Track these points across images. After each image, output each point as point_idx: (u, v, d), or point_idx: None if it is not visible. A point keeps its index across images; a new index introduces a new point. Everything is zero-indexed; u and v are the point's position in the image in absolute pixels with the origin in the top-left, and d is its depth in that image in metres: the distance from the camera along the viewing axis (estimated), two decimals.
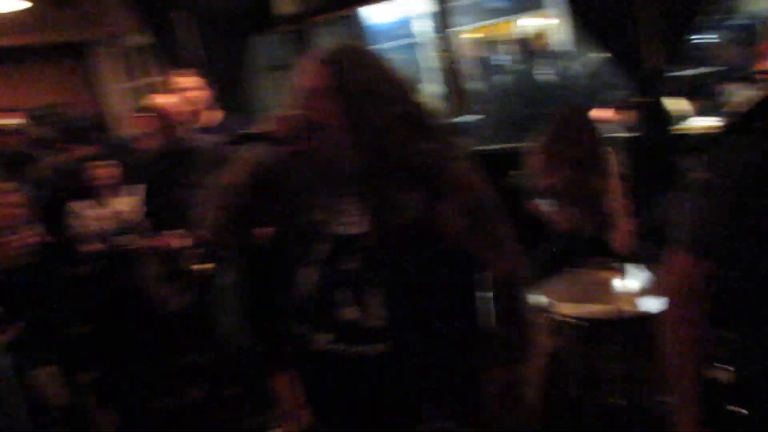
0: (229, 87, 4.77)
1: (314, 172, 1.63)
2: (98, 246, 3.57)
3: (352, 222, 1.60)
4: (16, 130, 4.10)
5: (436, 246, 1.57)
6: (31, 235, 2.82)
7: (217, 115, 3.71)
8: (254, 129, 1.66)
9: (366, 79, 1.52)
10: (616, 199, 2.77)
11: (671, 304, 1.34)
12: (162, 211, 3.21)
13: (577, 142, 2.71)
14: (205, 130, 3.46)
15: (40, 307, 3.12)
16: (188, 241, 3.10)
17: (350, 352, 1.58)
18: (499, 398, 1.62)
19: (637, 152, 3.25)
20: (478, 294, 1.66)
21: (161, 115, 3.10)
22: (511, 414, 1.65)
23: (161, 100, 3.16)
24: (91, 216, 3.58)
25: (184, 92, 3.52)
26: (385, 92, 1.53)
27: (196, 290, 3.19)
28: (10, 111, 4.59)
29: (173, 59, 4.90)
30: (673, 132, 3.37)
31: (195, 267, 3.12)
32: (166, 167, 3.18)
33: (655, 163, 3.16)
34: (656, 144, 3.24)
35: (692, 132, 3.42)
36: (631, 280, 2.27)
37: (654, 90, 3.18)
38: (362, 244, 1.57)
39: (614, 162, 2.85)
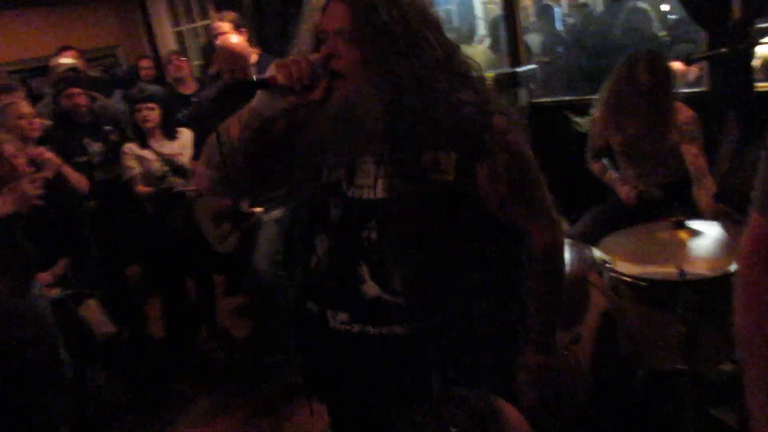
0: (275, 33, 4.68)
1: (330, 126, 1.35)
2: (149, 188, 3.60)
3: (372, 185, 1.36)
4: (70, 70, 4.13)
5: (471, 214, 1.35)
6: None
7: (253, 56, 3.62)
8: (256, 76, 1.36)
9: (393, 20, 1.27)
10: (695, 156, 2.63)
11: (741, 267, 1.24)
12: None
13: (645, 91, 2.57)
14: None
15: (86, 244, 3.16)
16: None
17: (367, 333, 1.38)
18: (531, 386, 1.47)
19: (713, 109, 3.07)
20: (516, 269, 1.46)
21: (233, 54, 3.03)
22: (545, 402, 1.49)
23: (230, 40, 3.09)
24: (142, 158, 3.60)
25: (223, 35, 3.45)
26: (415, 35, 1.29)
27: (247, 231, 3.18)
28: (65, 49, 4.63)
29: (220, 4, 4.84)
30: (757, 88, 3.15)
31: (247, 209, 3.11)
32: (232, 105, 3.11)
33: (734, 122, 2.96)
34: (738, 101, 3.03)
35: None
36: (697, 241, 2.15)
37: (740, 42, 2.95)
38: (383, 211, 1.34)
39: (688, 118, 2.70)
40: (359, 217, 1.36)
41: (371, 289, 1.36)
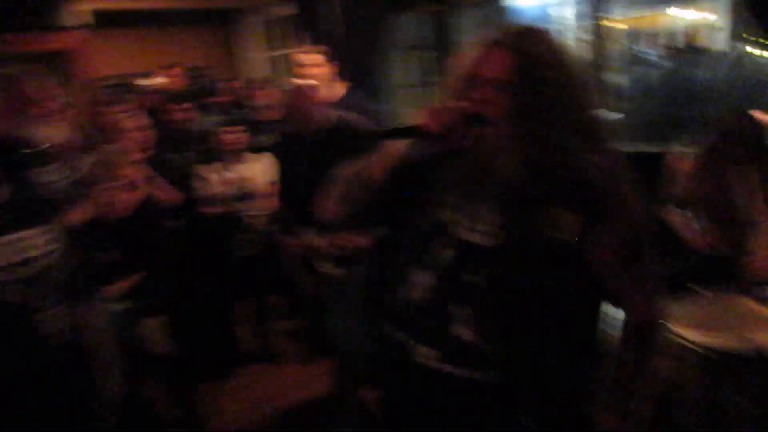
0: (366, 64, 4.74)
1: (465, 172, 1.40)
2: (218, 209, 3.68)
3: (487, 231, 1.37)
4: (156, 90, 4.36)
5: (579, 275, 1.35)
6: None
7: (339, 90, 3.60)
8: (407, 123, 1.43)
9: (552, 75, 1.28)
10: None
11: None
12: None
13: (740, 151, 2.47)
14: (328, 105, 3.40)
15: (158, 260, 3.23)
16: (324, 242, 2.97)
17: (457, 374, 1.40)
18: None
19: None
20: (605, 333, 1.48)
21: (302, 93, 3.01)
22: None
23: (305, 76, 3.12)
24: (216, 180, 3.69)
25: (305, 69, 3.46)
26: (566, 92, 1.30)
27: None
28: (171, 67, 4.87)
29: (313, 32, 4.95)
30: None
31: (326, 269, 3.04)
32: (318, 146, 2.91)
33: None
34: None
35: None
36: None
37: None
38: (494, 259, 1.36)
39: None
40: (468, 260, 1.38)
41: (464, 332, 1.37)
